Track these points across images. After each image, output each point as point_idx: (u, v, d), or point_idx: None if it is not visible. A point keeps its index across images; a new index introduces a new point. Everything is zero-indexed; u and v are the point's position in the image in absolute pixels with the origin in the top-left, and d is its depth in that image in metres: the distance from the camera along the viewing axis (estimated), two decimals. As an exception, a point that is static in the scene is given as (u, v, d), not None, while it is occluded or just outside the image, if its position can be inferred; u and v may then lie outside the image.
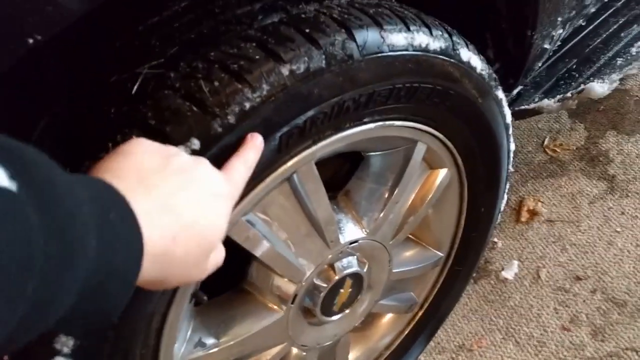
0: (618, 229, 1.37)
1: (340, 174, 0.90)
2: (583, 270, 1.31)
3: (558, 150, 1.58)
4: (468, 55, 0.78)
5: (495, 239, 1.40)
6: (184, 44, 0.62)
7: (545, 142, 1.61)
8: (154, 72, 0.59)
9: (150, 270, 0.40)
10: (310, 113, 0.62)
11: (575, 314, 1.25)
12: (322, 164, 0.74)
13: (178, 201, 0.43)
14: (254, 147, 0.56)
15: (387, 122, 0.75)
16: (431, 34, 0.71)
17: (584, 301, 1.26)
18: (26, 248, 0.29)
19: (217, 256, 0.50)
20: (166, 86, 0.57)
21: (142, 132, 0.55)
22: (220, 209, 0.48)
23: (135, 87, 0.58)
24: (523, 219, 1.44)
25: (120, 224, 0.37)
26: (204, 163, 0.49)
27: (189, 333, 0.76)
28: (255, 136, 0.57)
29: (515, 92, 1.13)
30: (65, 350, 0.57)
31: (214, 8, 0.66)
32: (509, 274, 1.34)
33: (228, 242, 0.68)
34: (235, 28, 0.62)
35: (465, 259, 1.14)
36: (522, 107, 1.19)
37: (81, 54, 0.64)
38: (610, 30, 1.29)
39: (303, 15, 0.63)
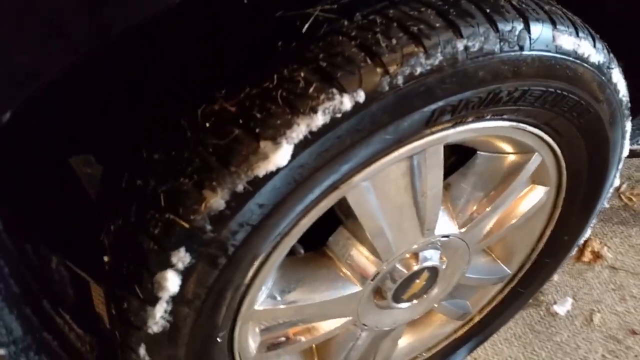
0: (683, 293, 1.32)
1: (444, 165, 0.88)
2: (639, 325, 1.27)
3: (634, 199, 1.53)
4: (617, 77, 0.76)
5: (554, 272, 1.37)
6: (357, -5, 0.61)
7: (622, 188, 1.56)
8: (326, 15, 0.58)
9: None
10: (467, 94, 0.60)
11: (622, 366, 1.21)
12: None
13: None
14: None
15: (521, 124, 0.73)
16: (595, 46, 0.69)
17: (636, 357, 1.22)
18: None
19: None
20: (341, 32, 0.56)
21: (310, 71, 0.54)
22: None
23: (306, 27, 0.57)
24: (585, 259, 1.40)
25: None
26: None
27: (271, 283, 0.76)
28: None
29: (625, 129, 1.09)
30: (180, 265, 0.58)
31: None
32: (561, 309, 1.31)
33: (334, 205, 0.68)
34: (412, -9, 0.60)
35: (529, 283, 1.11)
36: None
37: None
38: None
39: (483, -5, 0.61)
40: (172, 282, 0.58)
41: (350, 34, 0.56)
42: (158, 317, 0.60)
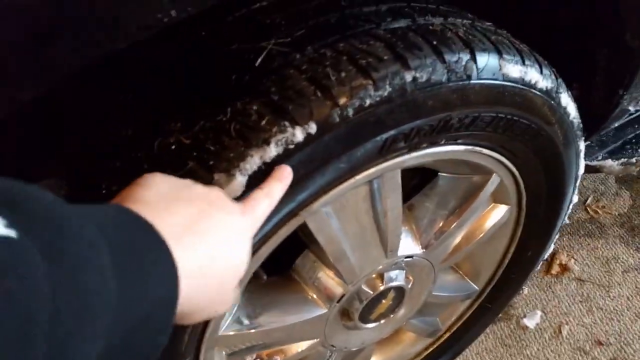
0: (647, 304, 1.36)
1: (407, 187, 0.90)
2: (606, 336, 1.30)
3: (600, 212, 1.57)
4: (567, 100, 0.79)
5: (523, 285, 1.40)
6: (311, 28, 0.63)
7: (588, 201, 1.60)
8: (279, 49, 0.60)
9: (185, 300, 0.37)
10: (418, 122, 0.63)
11: (590, 377, 1.24)
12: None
13: (205, 227, 0.41)
14: (281, 180, 0.53)
15: (477, 148, 0.75)
16: (541, 72, 0.72)
17: (602, 367, 1.25)
18: (32, 303, 0.25)
19: (237, 291, 0.47)
20: (292, 65, 0.58)
21: (262, 105, 0.56)
22: (242, 241, 0.45)
23: (259, 60, 0.59)
24: (553, 272, 1.43)
25: (148, 253, 0.35)
26: (219, 191, 0.47)
27: (235, 308, 0.77)
28: (283, 169, 0.54)
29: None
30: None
31: (341, 0, 0.67)
32: (530, 322, 1.33)
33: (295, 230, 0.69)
34: (363, 25, 0.63)
35: (497, 299, 1.14)
36: (585, 163, 1.19)
37: (202, 22, 0.64)
38: (684, 107, 1.29)
39: (431, 27, 0.64)
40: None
41: (301, 67, 0.57)
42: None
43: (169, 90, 0.63)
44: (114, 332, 0.32)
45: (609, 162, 1.18)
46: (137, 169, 0.59)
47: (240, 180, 0.55)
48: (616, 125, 1.20)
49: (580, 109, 0.99)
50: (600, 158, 1.21)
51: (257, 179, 0.56)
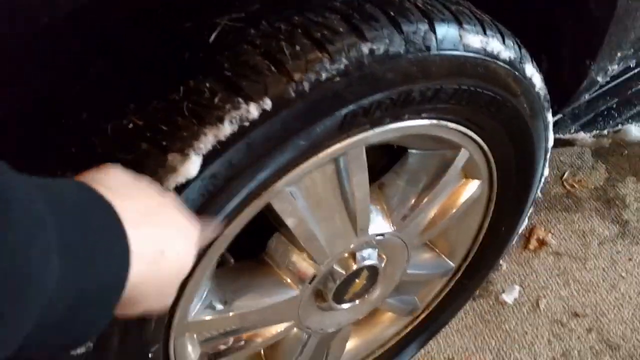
0: (623, 274, 1.38)
1: (378, 165, 0.89)
2: (582, 307, 1.32)
3: (576, 186, 1.59)
4: (531, 71, 0.78)
5: (501, 261, 1.41)
6: (265, 3, 0.61)
7: (565, 176, 1.61)
8: (233, 25, 0.59)
9: (131, 287, 0.37)
10: (378, 96, 0.62)
11: (568, 348, 1.25)
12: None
13: (162, 221, 0.42)
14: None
15: (442, 122, 0.74)
16: (504, 42, 0.71)
17: (579, 338, 1.27)
18: None
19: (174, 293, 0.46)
20: (246, 41, 0.56)
21: (216, 82, 0.54)
22: (189, 246, 0.45)
23: (213, 37, 0.57)
24: (531, 247, 1.44)
25: (103, 234, 0.34)
26: (174, 195, 0.48)
27: (205, 294, 0.76)
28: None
29: (554, 119, 1.13)
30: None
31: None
32: (509, 297, 1.34)
33: (262, 211, 0.68)
34: (319, -3, 0.61)
35: (473, 275, 1.14)
36: (557, 136, 1.19)
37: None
38: (655, 78, 1.30)
39: (389, -2, 0.62)
40: (89, 301, 0.57)
41: (255, 42, 0.56)
42: (79, 338, 0.59)
43: (122, 71, 0.61)
44: (54, 309, 0.32)
45: (581, 135, 1.19)
46: (91, 154, 0.57)
47: (194, 159, 0.54)
48: (587, 97, 1.20)
49: (549, 81, 0.99)
50: (572, 131, 1.21)
51: (213, 159, 0.54)
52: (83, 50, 0.60)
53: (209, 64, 0.56)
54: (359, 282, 0.90)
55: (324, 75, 0.56)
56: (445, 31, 0.63)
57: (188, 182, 0.54)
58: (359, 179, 0.74)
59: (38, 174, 0.34)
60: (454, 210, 0.94)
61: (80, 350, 0.61)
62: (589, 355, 1.23)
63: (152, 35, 0.62)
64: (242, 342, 0.86)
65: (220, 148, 0.54)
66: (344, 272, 0.85)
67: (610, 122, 1.21)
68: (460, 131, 0.79)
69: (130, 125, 0.55)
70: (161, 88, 0.56)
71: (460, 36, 0.65)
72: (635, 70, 1.25)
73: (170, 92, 0.55)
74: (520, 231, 1.12)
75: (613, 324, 1.28)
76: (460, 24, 0.65)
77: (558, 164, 1.65)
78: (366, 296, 0.94)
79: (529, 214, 1.09)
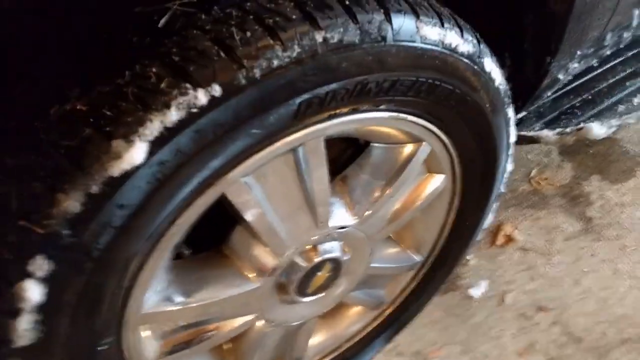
0: (586, 269, 1.40)
1: (342, 158, 0.89)
2: (547, 301, 1.34)
3: (542, 183, 1.61)
4: (491, 66, 0.79)
5: (469, 256, 1.42)
6: (219, -11, 0.60)
7: (532, 174, 1.64)
8: (184, 9, 0.58)
9: None
10: (333, 86, 0.61)
11: (532, 342, 1.27)
12: (327, 145, 0.73)
13: None
14: None
15: (402, 114, 0.75)
16: (462, 36, 0.72)
17: (543, 331, 1.29)
18: None
19: None
20: (196, 26, 0.56)
21: (163, 67, 0.53)
22: None
23: (163, 21, 0.56)
24: (498, 243, 1.46)
25: None
26: None
27: (162, 285, 0.75)
28: None
29: (519, 116, 1.14)
30: (39, 273, 0.55)
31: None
32: (476, 292, 1.35)
33: (220, 202, 0.67)
34: (274, -16, 0.60)
35: (439, 269, 1.15)
36: (522, 133, 1.21)
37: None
38: (618, 77, 1.32)
39: (344, -13, 0.62)
40: (33, 291, 0.56)
41: (205, 27, 0.55)
42: (22, 329, 0.58)
43: (68, 55, 0.60)
44: None
45: (545, 132, 1.21)
46: (34, 139, 0.56)
47: (140, 146, 0.53)
48: (551, 96, 1.23)
49: (512, 78, 1.00)
50: (537, 128, 1.23)
51: (160, 145, 0.53)
52: (27, 32, 0.58)
53: (157, 49, 0.55)
54: (322, 275, 0.89)
55: (275, 63, 0.56)
56: (402, 22, 0.63)
57: (134, 169, 0.53)
58: (319, 171, 0.74)
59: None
60: (417, 204, 0.94)
61: (26, 341, 0.59)
62: (553, 348, 1.25)
63: (100, 18, 0.60)
64: (203, 335, 0.85)
65: (167, 134, 0.53)
66: (305, 265, 0.84)
67: (574, 120, 1.23)
68: (420, 125, 0.79)
69: (75, 110, 0.54)
70: (107, 72, 0.55)
71: (417, 28, 0.65)
72: (598, 71, 1.28)
73: (115, 76, 0.54)
74: (485, 226, 1.13)
75: (576, 317, 1.31)
76: (417, 15, 0.65)
77: (526, 161, 1.67)
78: (330, 289, 0.94)
79: (493, 209, 1.10)
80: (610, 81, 1.33)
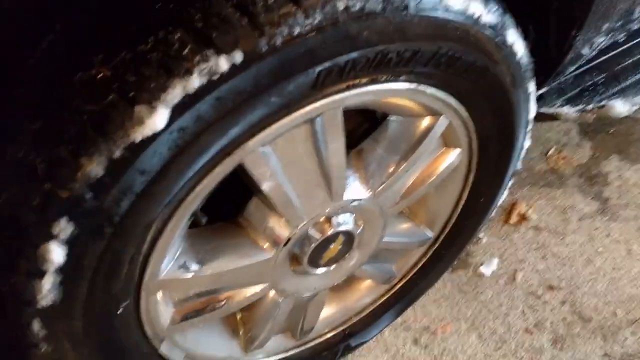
0: (600, 249, 1.40)
1: (358, 131, 0.89)
2: (558, 281, 1.34)
3: (560, 162, 1.59)
4: (514, 38, 0.77)
5: (481, 234, 1.42)
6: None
7: (550, 153, 1.62)
8: (206, -24, 0.57)
9: None
10: (353, 55, 0.60)
11: (541, 320, 1.28)
12: (344, 118, 0.73)
13: None
14: None
15: (421, 86, 0.74)
16: (486, 5, 0.70)
17: (552, 310, 1.29)
18: None
19: None
20: (218, -8, 0.55)
21: (186, 33, 0.53)
22: None
23: (185, -13, 0.56)
24: (512, 221, 1.46)
25: None
26: None
27: (178, 253, 0.76)
28: None
29: (539, 92, 1.12)
30: (62, 236, 0.56)
31: None
32: (487, 270, 1.36)
33: (237, 171, 0.67)
34: (296, -49, 0.59)
35: (451, 245, 1.15)
36: (542, 110, 1.19)
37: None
38: (643, 55, 1.29)
39: (368, -46, 0.60)
40: (56, 253, 0.57)
41: (227, -7, 0.54)
42: (46, 290, 0.59)
43: (92, 22, 0.60)
44: None
45: (566, 109, 1.19)
46: (59, 105, 0.56)
47: (162, 112, 0.53)
48: (574, 71, 1.20)
49: (535, 52, 0.98)
50: (557, 105, 1.21)
51: (181, 112, 0.54)
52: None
53: (180, 15, 0.54)
54: (335, 247, 0.90)
55: (297, 30, 0.55)
56: (425, -9, 0.62)
57: (155, 135, 0.54)
58: (336, 142, 0.74)
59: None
60: (432, 179, 0.94)
61: (47, 302, 0.61)
62: (561, 326, 1.26)
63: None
64: (216, 303, 0.86)
65: (188, 101, 0.53)
66: (319, 236, 0.85)
67: (596, 97, 1.21)
68: (439, 97, 0.78)
69: (98, 76, 0.54)
70: (130, 38, 0.55)
71: (441, -3, 0.64)
72: (624, 46, 1.24)
73: (139, 42, 0.53)
74: (499, 203, 1.13)
75: (587, 297, 1.31)
76: (441, -16, 0.64)
77: (544, 140, 1.65)
78: (342, 262, 0.94)
79: (508, 186, 1.10)
80: (636, 58, 1.29)
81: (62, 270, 0.59)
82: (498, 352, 1.23)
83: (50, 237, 0.56)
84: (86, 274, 0.60)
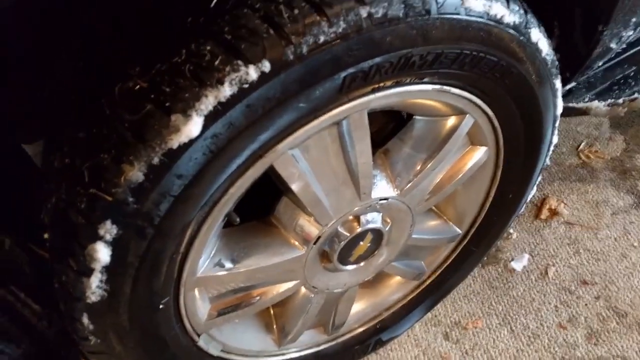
0: (635, 244, 1.37)
1: (384, 131, 0.91)
2: (591, 276, 1.32)
3: (592, 156, 1.57)
4: (538, 36, 0.78)
5: (512, 230, 1.42)
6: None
7: (581, 147, 1.59)
8: (235, -11, 0.60)
9: None
10: (377, 60, 0.63)
11: (575, 315, 1.27)
12: (370, 119, 0.75)
13: None
14: None
15: (445, 87, 0.75)
16: (508, 6, 0.71)
17: (586, 305, 1.28)
18: None
19: None
20: (246, 5, 0.58)
21: (216, 45, 0.56)
22: None
23: (215, 1, 0.59)
24: (543, 216, 1.44)
25: None
26: None
27: (213, 251, 0.80)
28: None
29: (567, 87, 1.11)
30: (108, 237, 0.61)
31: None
32: (517, 265, 1.35)
33: (268, 173, 0.70)
34: (320, -39, 0.62)
35: (481, 241, 1.16)
36: (571, 105, 1.18)
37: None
38: (677, 45, 1.25)
39: (389, -39, 0.62)
40: (102, 253, 0.61)
41: (255, 6, 0.57)
42: (94, 287, 0.64)
43: (128, 35, 0.64)
44: None
45: (595, 103, 1.17)
46: (99, 115, 0.60)
47: (196, 120, 0.56)
48: (603, 65, 1.18)
49: (561, 48, 0.98)
50: (587, 99, 1.19)
51: (214, 119, 0.57)
52: (92, 14, 0.62)
53: (210, 28, 0.58)
54: (364, 245, 0.92)
55: (322, 39, 0.57)
56: (446, -6, 0.63)
57: (191, 142, 0.57)
58: (362, 143, 0.76)
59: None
60: (459, 177, 0.95)
61: (96, 297, 0.65)
62: (596, 322, 1.25)
63: (158, 1, 0.64)
64: (250, 299, 0.90)
65: (220, 109, 0.57)
66: (348, 234, 0.87)
67: (627, 90, 1.19)
68: (464, 97, 0.79)
69: (136, 87, 0.58)
70: (165, 51, 0.58)
71: (462, 0, 0.65)
72: (656, 37, 1.21)
73: (173, 55, 0.57)
74: (528, 199, 1.13)
75: (622, 291, 1.29)
76: (462, -14, 0.65)
77: (575, 134, 1.63)
78: (371, 259, 0.97)
79: (537, 182, 1.09)
80: (668, 49, 1.26)
81: (108, 268, 0.63)
82: (531, 347, 1.23)
83: (97, 238, 0.60)
84: (130, 272, 0.65)
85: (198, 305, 0.83)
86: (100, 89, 0.62)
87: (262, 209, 0.87)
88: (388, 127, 0.92)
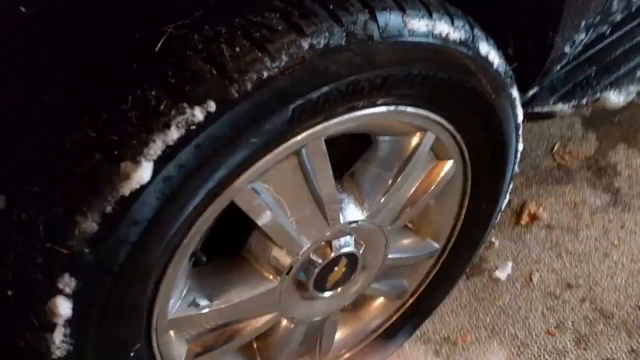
0: (615, 242, 1.38)
1: (349, 155, 0.91)
2: (575, 278, 1.33)
3: (566, 157, 1.58)
4: (487, 49, 0.79)
5: (493, 239, 1.42)
6: (210, 8, 0.63)
7: (555, 148, 1.61)
8: (178, 32, 0.60)
9: None
10: (324, 89, 0.63)
11: (562, 320, 1.26)
12: (333, 144, 0.75)
13: None
14: None
15: (400, 107, 0.76)
16: (453, 24, 0.72)
17: (572, 309, 1.28)
18: None
19: None
20: (189, 47, 0.58)
21: (160, 89, 0.57)
22: None
23: (159, 45, 0.60)
24: (523, 222, 1.45)
25: None
26: None
27: (184, 292, 0.79)
28: None
29: (530, 93, 1.13)
30: (67, 290, 0.60)
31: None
32: (502, 274, 1.35)
33: (232, 209, 0.70)
34: (261, -3, 0.63)
35: (460, 254, 1.15)
36: (536, 110, 1.19)
37: (107, 9, 0.65)
38: (634, 42, 1.28)
39: (329, -8, 0.63)
40: (63, 307, 0.60)
41: (197, 47, 0.58)
42: (58, 342, 0.62)
43: (79, 85, 0.64)
44: None
45: (560, 106, 1.19)
46: (51, 167, 0.60)
47: (146, 165, 0.56)
48: (562, 69, 1.20)
49: (518, 56, 0.99)
50: (551, 103, 1.21)
51: (164, 163, 0.57)
52: (38, 64, 0.62)
53: (155, 72, 0.58)
54: (339, 270, 0.92)
55: (265, 74, 0.58)
56: (388, 18, 0.65)
57: (143, 188, 0.57)
58: (323, 170, 0.76)
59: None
60: (428, 192, 0.95)
61: (62, 352, 0.64)
62: (583, 325, 1.24)
63: (105, 47, 0.64)
64: (229, 336, 0.89)
65: (170, 152, 0.56)
66: (321, 261, 0.87)
67: (589, 91, 1.20)
68: (420, 115, 0.80)
69: (85, 137, 0.57)
70: (112, 99, 0.58)
71: (404, 22, 0.66)
72: (612, 37, 1.24)
73: (120, 102, 0.57)
74: (503, 207, 1.13)
75: (606, 292, 1.29)
76: (403, 9, 0.66)
77: (548, 136, 1.64)
78: (348, 283, 0.96)
79: (510, 190, 1.10)
80: (626, 46, 1.29)
81: (70, 322, 0.62)
82: (521, 357, 1.22)
83: (57, 292, 0.60)
84: (94, 323, 0.64)
85: (175, 347, 0.82)
86: (52, 141, 0.62)
87: (234, 243, 0.86)
88: (353, 149, 0.92)
